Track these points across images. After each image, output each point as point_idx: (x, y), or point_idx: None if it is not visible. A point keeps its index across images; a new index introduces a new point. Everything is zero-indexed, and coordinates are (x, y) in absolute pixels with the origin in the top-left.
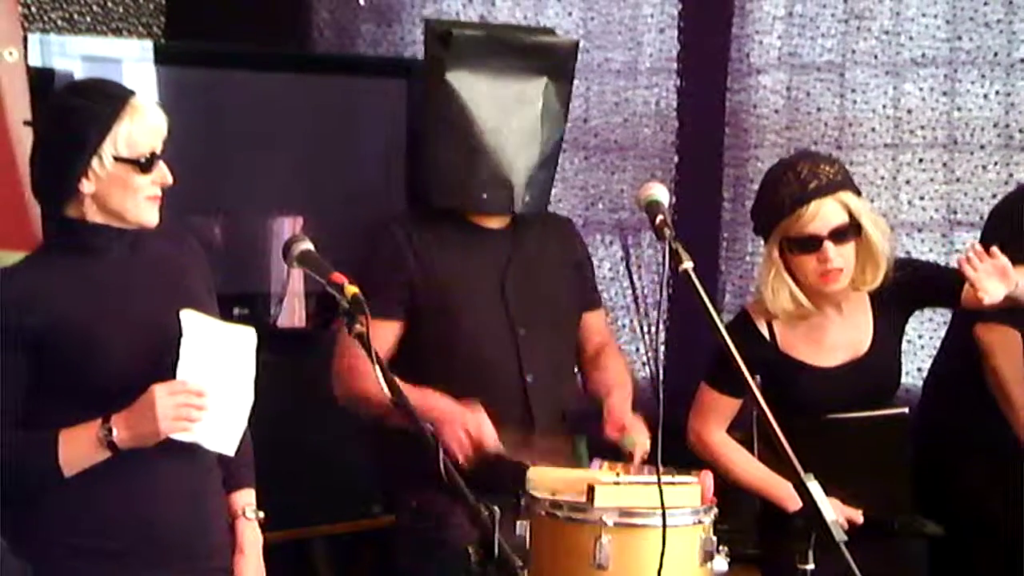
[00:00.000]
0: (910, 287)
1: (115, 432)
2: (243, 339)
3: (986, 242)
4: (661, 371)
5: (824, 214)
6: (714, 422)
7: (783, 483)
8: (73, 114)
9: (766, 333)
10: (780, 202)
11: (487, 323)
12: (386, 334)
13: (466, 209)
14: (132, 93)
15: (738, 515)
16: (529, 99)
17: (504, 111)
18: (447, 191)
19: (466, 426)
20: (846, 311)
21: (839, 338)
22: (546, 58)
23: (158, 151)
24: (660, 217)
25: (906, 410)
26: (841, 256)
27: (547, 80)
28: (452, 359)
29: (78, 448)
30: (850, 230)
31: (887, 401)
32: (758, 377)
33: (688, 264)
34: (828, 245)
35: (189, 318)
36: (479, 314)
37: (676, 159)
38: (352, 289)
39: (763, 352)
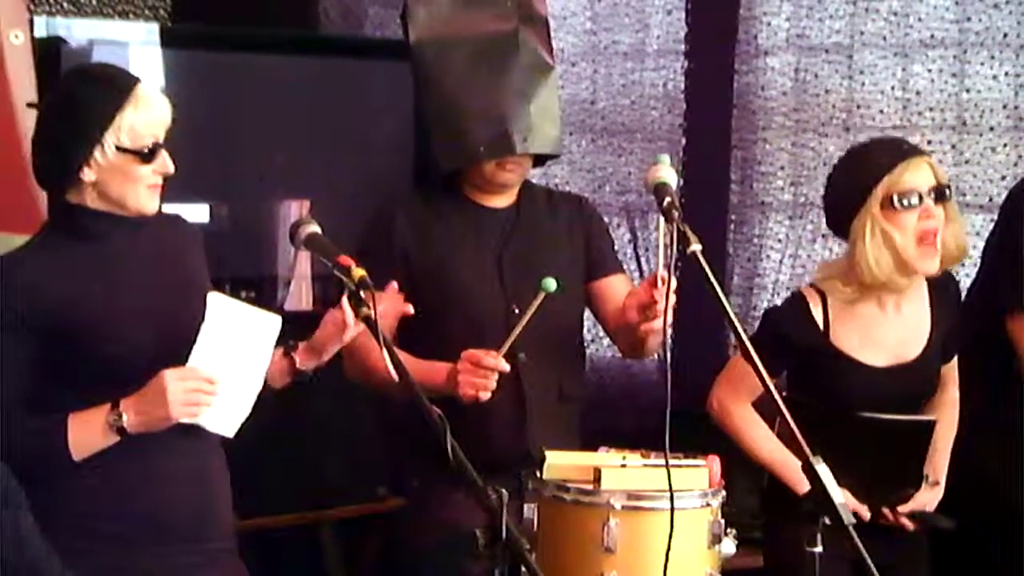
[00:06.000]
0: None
1: (125, 417)
2: (266, 325)
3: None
4: (669, 354)
5: (924, 171)
6: (742, 394)
7: (798, 465)
8: (77, 102)
9: (820, 320)
10: (878, 164)
11: (481, 300)
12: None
13: (469, 163)
14: (137, 81)
15: (742, 499)
16: (506, 49)
17: (483, 66)
18: (447, 155)
19: (467, 368)
20: (905, 310)
21: (891, 337)
22: (513, 6)
23: (160, 140)
24: (668, 199)
25: (935, 419)
26: (937, 218)
27: (519, 26)
28: (445, 335)
29: (87, 433)
30: (940, 193)
31: (921, 406)
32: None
33: (696, 246)
34: (929, 202)
35: (215, 301)
36: (474, 291)
37: (684, 141)
38: (359, 272)
39: (812, 339)
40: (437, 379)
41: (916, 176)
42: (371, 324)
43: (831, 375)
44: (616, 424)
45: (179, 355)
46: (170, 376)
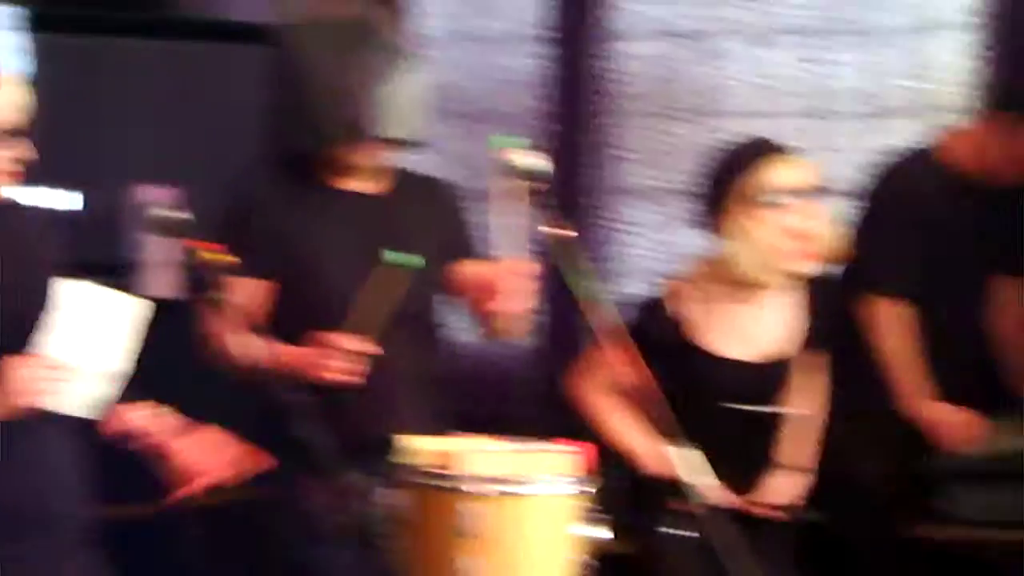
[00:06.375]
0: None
1: None
2: (126, 308)
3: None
4: (541, 340)
5: (790, 169)
6: (599, 381)
7: (648, 446)
8: None
9: (681, 314)
10: (743, 162)
11: (345, 285)
12: (251, 291)
13: (320, 147)
14: None
15: (608, 485)
16: (362, 32)
17: (340, 49)
18: (303, 138)
19: (324, 352)
20: (776, 304)
21: (758, 331)
22: None
23: (14, 126)
24: (533, 184)
25: (795, 409)
26: (805, 216)
27: (376, 10)
28: (310, 320)
29: None
30: (809, 192)
31: (786, 397)
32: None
33: (560, 231)
34: (797, 200)
35: (67, 286)
36: (339, 277)
37: (547, 127)
38: (207, 255)
39: (669, 334)
40: (295, 364)
41: (781, 174)
42: (219, 308)
43: (692, 369)
44: (480, 410)
45: (30, 342)
46: (12, 364)
